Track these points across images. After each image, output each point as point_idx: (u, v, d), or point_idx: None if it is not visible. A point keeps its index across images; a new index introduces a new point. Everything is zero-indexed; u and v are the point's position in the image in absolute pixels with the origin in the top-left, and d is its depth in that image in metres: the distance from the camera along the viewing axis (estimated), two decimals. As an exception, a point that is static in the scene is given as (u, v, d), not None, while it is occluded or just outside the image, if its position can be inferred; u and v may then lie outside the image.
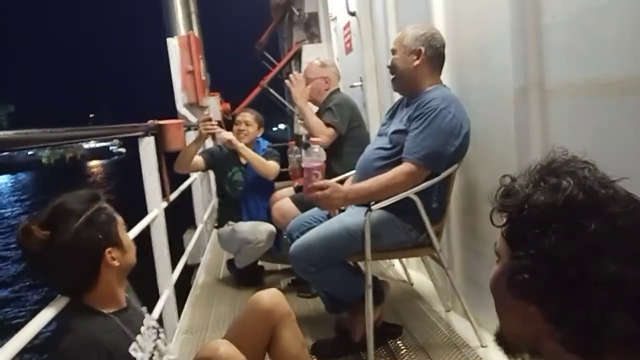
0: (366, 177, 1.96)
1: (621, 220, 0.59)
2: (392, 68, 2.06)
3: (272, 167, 3.06)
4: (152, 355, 1.24)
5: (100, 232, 1.16)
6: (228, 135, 3.06)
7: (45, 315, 1.12)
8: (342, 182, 2.46)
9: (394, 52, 2.05)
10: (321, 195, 1.81)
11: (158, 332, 1.34)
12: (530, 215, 0.62)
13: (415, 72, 2.00)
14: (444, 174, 1.93)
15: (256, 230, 2.98)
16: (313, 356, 2.07)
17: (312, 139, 2.05)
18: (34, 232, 1.08)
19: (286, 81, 2.82)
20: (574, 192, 0.60)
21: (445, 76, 2.10)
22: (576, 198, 0.60)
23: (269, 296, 1.60)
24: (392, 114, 2.17)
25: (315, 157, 1.91)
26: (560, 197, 0.60)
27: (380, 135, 2.15)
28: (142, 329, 1.26)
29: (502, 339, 0.69)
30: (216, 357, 1.34)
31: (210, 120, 2.89)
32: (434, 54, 2.00)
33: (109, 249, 1.17)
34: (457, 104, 1.93)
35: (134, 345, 1.17)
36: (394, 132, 2.00)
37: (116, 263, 1.18)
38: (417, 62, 1.99)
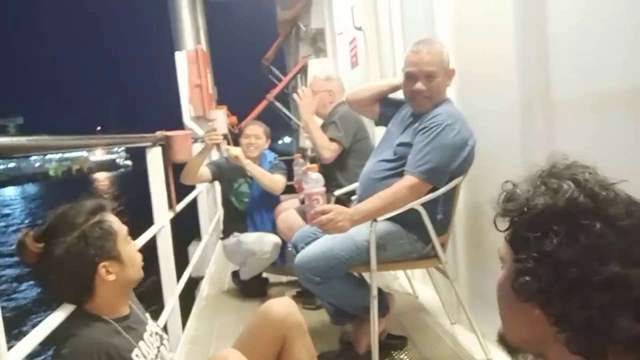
0: (369, 189, 1.96)
1: (623, 222, 0.59)
2: (428, 91, 1.95)
3: (278, 182, 3.06)
4: None
5: (93, 247, 1.14)
6: (236, 150, 3.06)
7: (56, 318, 1.13)
8: (346, 196, 2.48)
9: (434, 75, 1.93)
10: (325, 219, 1.82)
11: (162, 339, 1.34)
12: (531, 218, 0.63)
13: (443, 91, 2.01)
14: (448, 186, 1.93)
15: (262, 241, 2.98)
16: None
17: (307, 165, 2.06)
18: (27, 246, 1.10)
19: (294, 95, 2.84)
20: (575, 194, 0.61)
21: (450, 89, 2.11)
22: (577, 200, 0.60)
23: (281, 305, 1.58)
24: (396, 122, 2.15)
25: (314, 184, 1.92)
26: (561, 200, 0.61)
27: (383, 144, 2.14)
28: (145, 335, 1.26)
29: (504, 339, 0.70)
30: None
31: (215, 130, 2.92)
32: None
33: (104, 263, 1.16)
34: (462, 121, 1.93)
35: (136, 351, 1.17)
36: (400, 144, 2.01)
37: (112, 277, 1.16)
38: (449, 81, 2.00)
